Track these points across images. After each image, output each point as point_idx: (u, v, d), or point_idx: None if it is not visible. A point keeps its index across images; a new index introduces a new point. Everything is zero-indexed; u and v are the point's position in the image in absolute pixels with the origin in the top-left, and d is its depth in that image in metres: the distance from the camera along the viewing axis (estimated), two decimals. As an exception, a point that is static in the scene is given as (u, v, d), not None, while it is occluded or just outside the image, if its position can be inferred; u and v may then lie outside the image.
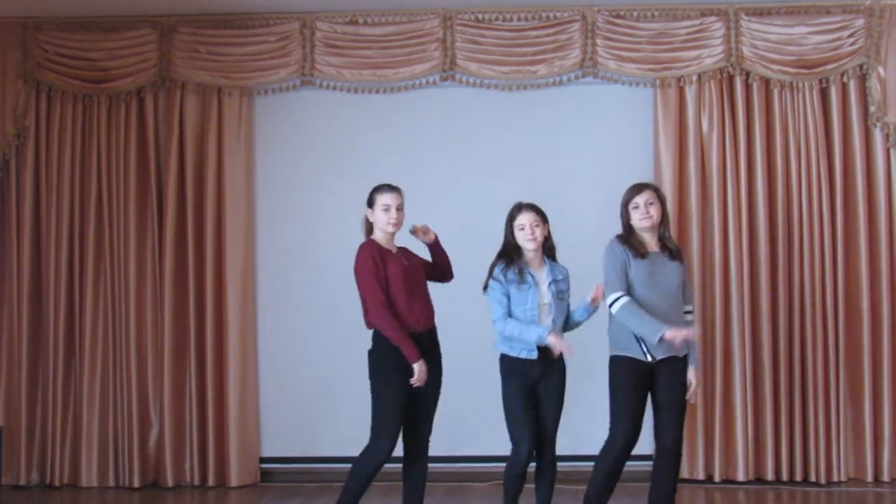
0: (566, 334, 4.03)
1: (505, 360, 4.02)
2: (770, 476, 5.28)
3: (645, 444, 4.08)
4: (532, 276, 3.97)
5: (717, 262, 5.30)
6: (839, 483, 5.24)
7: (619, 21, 5.41)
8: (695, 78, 5.38)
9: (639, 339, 3.88)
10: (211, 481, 5.40)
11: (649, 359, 3.87)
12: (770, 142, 5.38)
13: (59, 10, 5.41)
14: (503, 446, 4.03)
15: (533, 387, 3.97)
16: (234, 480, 5.38)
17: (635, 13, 5.41)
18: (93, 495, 5.30)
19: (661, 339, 3.80)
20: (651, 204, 4.02)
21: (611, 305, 3.93)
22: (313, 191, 5.61)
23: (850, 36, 5.33)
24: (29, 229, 5.46)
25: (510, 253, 4.02)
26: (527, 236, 3.99)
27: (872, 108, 5.32)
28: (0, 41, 5.46)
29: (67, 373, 5.46)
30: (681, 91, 5.41)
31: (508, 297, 3.94)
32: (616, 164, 5.45)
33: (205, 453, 5.43)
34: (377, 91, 5.55)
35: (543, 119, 5.54)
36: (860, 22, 5.33)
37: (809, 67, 5.34)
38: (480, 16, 5.45)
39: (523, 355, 3.94)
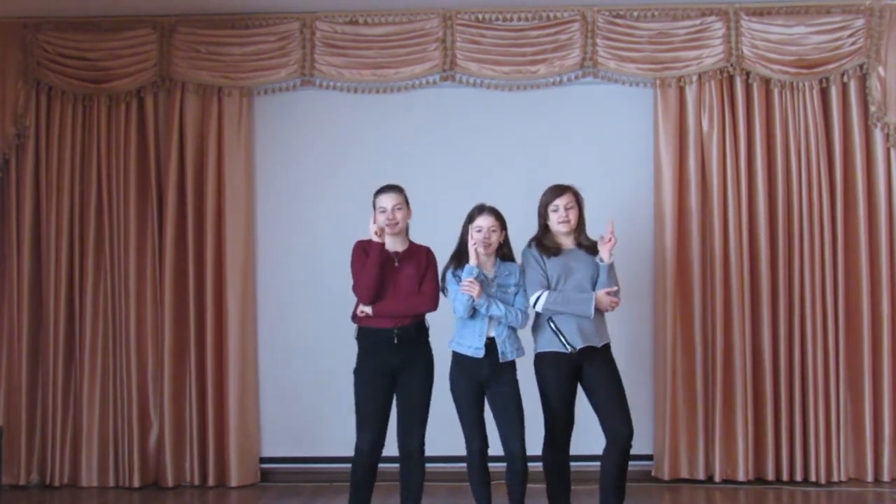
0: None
1: (454, 357, 4.06)
2: (770, 476, 5.28)
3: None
4: (485, 276, 4.02)
5: (717, 262, 5.30)
6: (839, 483, 5.24)
7: (619, 21, 5.41)
8: (695, 78, 5.38)
9: (557, 333, 3.94)
10: (211, 481, 5.41)
11: (569, 349, 3.93)
12: (770, 142, 5.37)
13: (59, 10, 5.41)
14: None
15: (481, 385, 4.01)
16: (234, 480, 5.38)
17: (635, 13, 5.41)
18: (93, 495, 5.30)
19: (597, 308, 3.95)
20: (570, 208, 4.07)
21: (534, 305, 4.00)
22: (313, 190, 5.60)
23: (851, 36, 5.33)
24: (29, 229, 5.46)
25: (464, 255, 4.03)
26: (482, 239, 4.01)
27: (873, 108, 5.31)
28: (0, 41, 5.46)
29: (67, 373, 5.45)
30: (681, 91, 5.41)
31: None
32: (616, 164, 5.47)
33: (205, 453, 5.44)
34: (377, 91, 5.54)
35: (543, 119, 5.53)
36: (860, 22, 5.33)
37: (809, 67, 5.34)
38: (480, 16, 5.45)
39: (469, 353, 3.99)
